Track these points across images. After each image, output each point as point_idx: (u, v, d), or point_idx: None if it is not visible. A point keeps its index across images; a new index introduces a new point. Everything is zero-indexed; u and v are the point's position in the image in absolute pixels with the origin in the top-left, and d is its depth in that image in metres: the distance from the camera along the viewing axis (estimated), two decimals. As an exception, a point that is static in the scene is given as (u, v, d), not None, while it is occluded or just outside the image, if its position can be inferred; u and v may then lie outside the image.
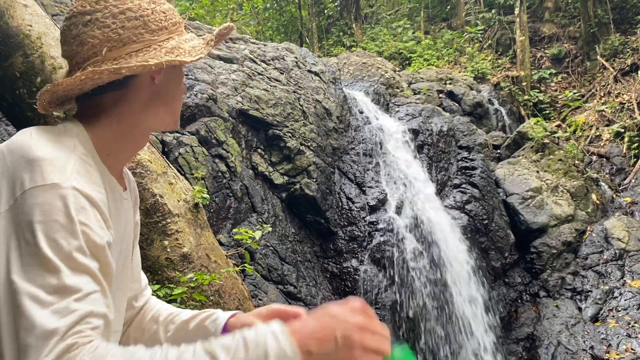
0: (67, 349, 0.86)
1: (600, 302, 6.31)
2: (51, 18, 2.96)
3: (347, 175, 6.07)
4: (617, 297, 6.29)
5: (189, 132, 4.86)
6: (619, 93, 10.48)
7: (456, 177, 6.90)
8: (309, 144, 5.75)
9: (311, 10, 14.53)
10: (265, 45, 6.90)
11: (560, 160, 7.80)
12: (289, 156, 5.57)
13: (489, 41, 13.11)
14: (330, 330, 0.87)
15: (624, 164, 9.02)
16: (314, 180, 5.55)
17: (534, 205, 6.99)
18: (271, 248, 4.94)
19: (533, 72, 11.89)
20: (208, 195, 3.45)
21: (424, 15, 14.77)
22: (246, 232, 3.52)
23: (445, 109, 8.38)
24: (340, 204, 5.80)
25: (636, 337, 5.82)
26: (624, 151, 9.16)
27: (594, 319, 6.19)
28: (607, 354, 5.73)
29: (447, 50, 12.76)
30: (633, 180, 8.49)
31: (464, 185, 6.80)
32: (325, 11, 15.28)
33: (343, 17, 14.95)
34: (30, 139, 1.04)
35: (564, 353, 5.83)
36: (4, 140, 4.36)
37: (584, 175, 7.80)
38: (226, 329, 1.27)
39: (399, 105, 7.78)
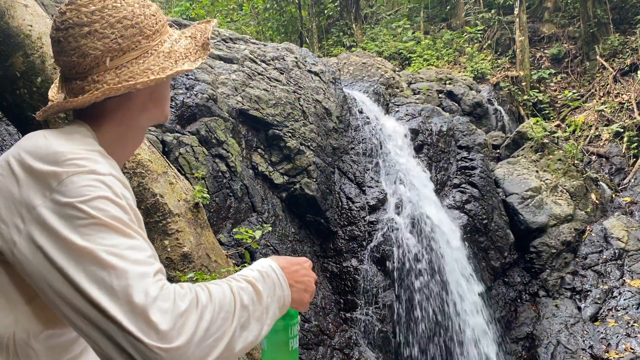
0: (162, 286, 0.93)
1: (599, 302, 6.32)
2: (51, 18, 2.96)
3: (347, 175, 6.08)
4: (616, 297, 6.30)
5: (189, 132, 4.87)
6: (618, 93, 10.48)
7: (456, 177, 6.91)
8: (309, 143, 5.76)
9: (311, 11, 14.53)
10: (265, 45, 6.91)
11: (559, 160, 7.81)
12: (289, 156, 5.58)
13: (489, 41, 13.12)
14: (301, 276, 1.20)
15: (623, 164, 9.03)
16: (314, 180, 5.56)
17: (534, 205, 7.00)
18: (271, 248, 4.95)
19: (532, 72, 11.90)
20: (208, 195, 3.46)
21: (424, 16, 14.78)
22: (246, 231, 3.54)
23: (444, 109, 8.39)
24: (340, 204, 5.81)
25: (635, 336, 5.83)
26: (623, 151, 9.17)
27: (594, 318, 6.20)
28: (606, 354, 5.74)
29: (447, 50, 12.76)
30: (632, 180, 8.50)
31: (463, 185, 6.81)
32: (325, 11, 15.28)
33: (343, 17, 14.96)
34: (47, 140, 1.06)
35: (564, 352, 5.84)
36: (4, 140, 4.34)
37: (584, 175, 7.81)
38: None
39: (398, 105, 7.79)
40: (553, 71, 12.17)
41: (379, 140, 6.55)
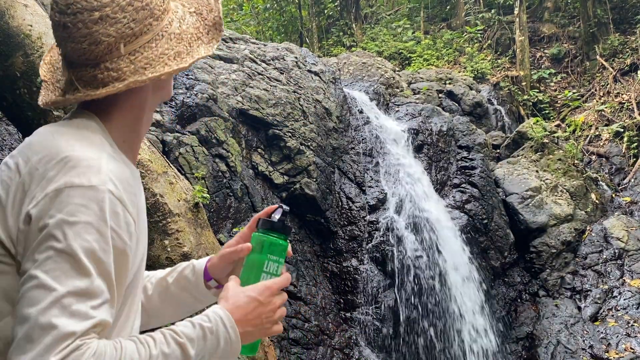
0: (75, 348, 0.91)
1: (599, 302, 6.32)
2: (52, 18, 2.96)
3: (347, 174, 6.08)
4: (616, 297, 6.30)
5: (189, 131, 4.87)
6: (618, 93, 10.48)
7: (456, 177, 6.91)
8: (309, 143, 5.76)
9: (311, 10, 14.53)
10: (265, 45, 6.91)
11: (559, 159, 7.81)
12: (289, 156, 5.58)
13: (489, 41, 13.11)
14: (258, 315, 1.13)
15: (623, 164, 9.03)
16: (314, 179, 5.56)
17: (534, 205, 7.00)
18: (271, 247, 4.94)
19: (532, 72, 11.89)
20: (208, 195, 3.46)
21: (424, 15, 14.77)
22: (246, 231, 3.52)
23: (444, 109, 8.39)
24: (340, 204, 5.81)
25: (635, 336, 5.83)
26: (623, 151, 9.17)
27: (594, 318, 6.20)
28: (606, 353, 5.74)
29: (447, 50, 12.76)
30: (632, 180, 8.50)
31: (463, 185, 6.81)
32: (325, 11, 15.28)
33: (343, 17, 14.95)
34: (54, 139, 1.04)
35: (564, 352, 5.84)
36: (4, 140, 4.34)
37: (584, 175, 7.81)
38: (207, 275, 1.37)
39: (398, 105, 7.79)
40: (553, 71, 12.17)
41: (379, 140, 6.55)
